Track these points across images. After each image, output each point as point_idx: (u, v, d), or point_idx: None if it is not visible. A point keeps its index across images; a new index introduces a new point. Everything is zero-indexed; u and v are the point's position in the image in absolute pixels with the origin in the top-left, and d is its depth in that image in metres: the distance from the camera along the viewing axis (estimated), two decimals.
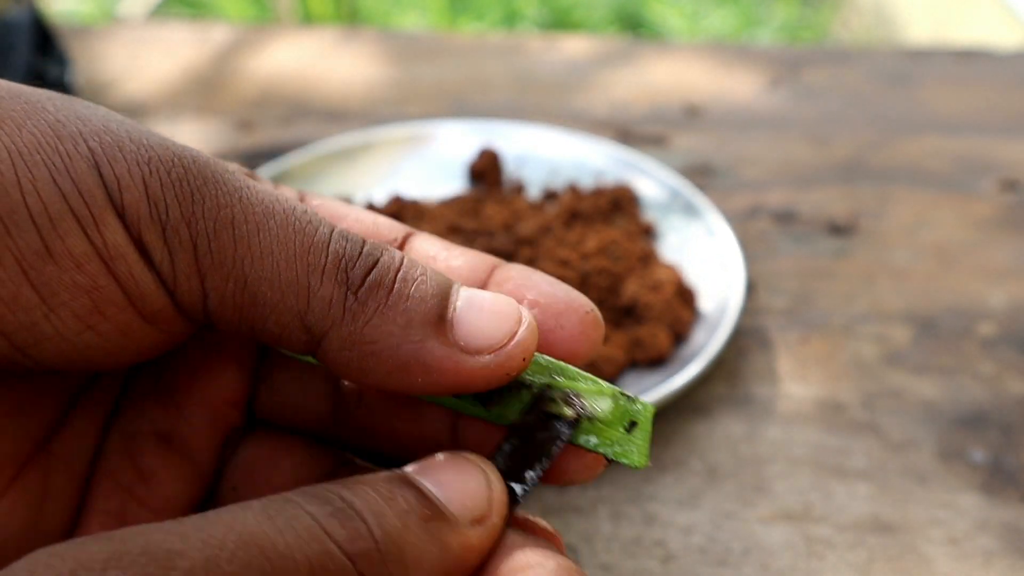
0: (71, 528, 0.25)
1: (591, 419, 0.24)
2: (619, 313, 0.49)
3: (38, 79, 0.62)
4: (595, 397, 0.24)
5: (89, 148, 0.21)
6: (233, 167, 0.24)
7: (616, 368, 0.46)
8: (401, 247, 0.27)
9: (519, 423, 0.24)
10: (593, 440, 0.24)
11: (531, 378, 0.24)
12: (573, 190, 0.58)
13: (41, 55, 0.64)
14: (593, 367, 0.46)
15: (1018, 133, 0.70)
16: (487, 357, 0.23)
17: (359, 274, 0.22)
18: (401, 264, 0.23)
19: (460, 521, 0.21)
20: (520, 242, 0.51)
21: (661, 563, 0.39)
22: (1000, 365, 0.49)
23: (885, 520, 0.41)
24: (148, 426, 0.26)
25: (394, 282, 0.23)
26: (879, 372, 0.49)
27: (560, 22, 2.23)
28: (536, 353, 0.24)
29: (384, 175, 0.60)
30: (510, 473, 0.23)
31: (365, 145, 0.61)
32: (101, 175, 0.21)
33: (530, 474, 0.23)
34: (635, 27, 2.28)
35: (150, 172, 0.22)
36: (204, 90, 0.76)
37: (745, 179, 0.64)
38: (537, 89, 0.76)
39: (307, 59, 0.81)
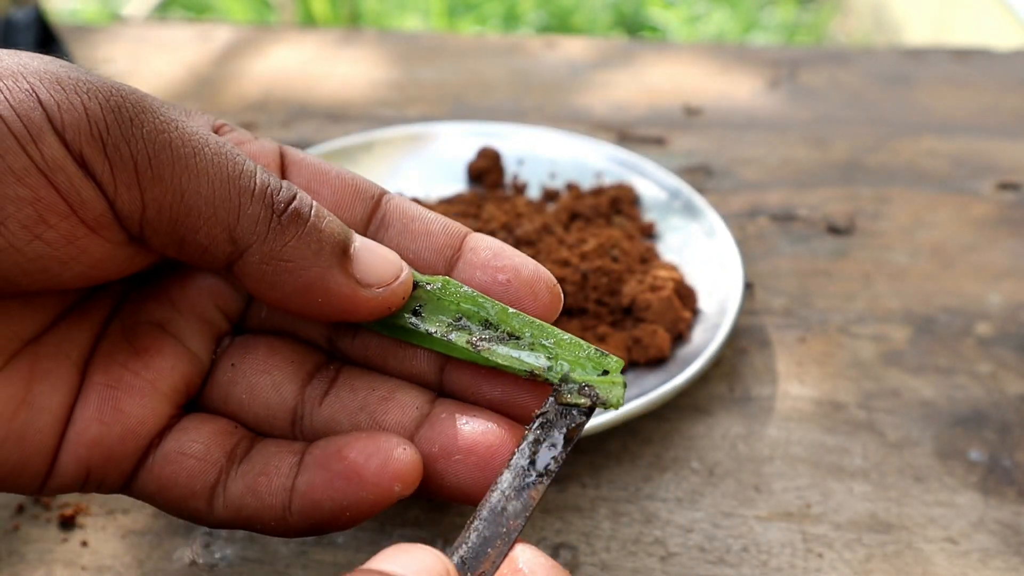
0: (71, 401, 0.28)
1: (605, 404, 0.28)
2: (619, 313, 0.49)
3: None
4: (608, 386, 0.28)
5: (29, 83, 0.24)
6: (170, 104, 0.27)
7: None
8: (377, 204, 0.30)
9: (541, 413, 0.28)
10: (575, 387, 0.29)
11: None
12: (573, 190, 0.59)
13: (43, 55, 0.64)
14: None
15: (1016, 133, 0.70)
16: (377, 290, 0.27)
17: (282, 202, 0.26)
18: (313, 204, 0.27)
19: None
20: (520, 242, 0.52)
21: (660, 562, 0.39)
22: (997, 365, 0.49)
23: (883, 519, 0.41)
24: (144, 317, 0.29)
25: (310, 215, 0.27)
26: (877, 372, 0.49)
27: (560, 25, 2.24)
28: (520, 312, 0.29)
29: (385, 175, 0.60)
30: (534, 459, 0.27)
31: (366, 145, 0.61)
32: (40, 100, 0.24)
33: (552, 456, 0.28)
34: (635, 30, 2.28)
35: (89, 98, 0.25)
36: (206, 91, 0.76)
37: (744, 180, 0.65)
38: (537, 90, 0.77)
39: (308, 60, 0.81)
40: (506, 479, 0.27)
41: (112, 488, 0.28)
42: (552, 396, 0.28)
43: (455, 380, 0.30)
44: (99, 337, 0.29)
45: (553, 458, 0.27)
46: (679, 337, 0.48)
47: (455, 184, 0.60)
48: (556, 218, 0.55)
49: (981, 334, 0.51)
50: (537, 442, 0.28)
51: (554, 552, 0.39)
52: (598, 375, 0.29)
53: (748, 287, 0.54)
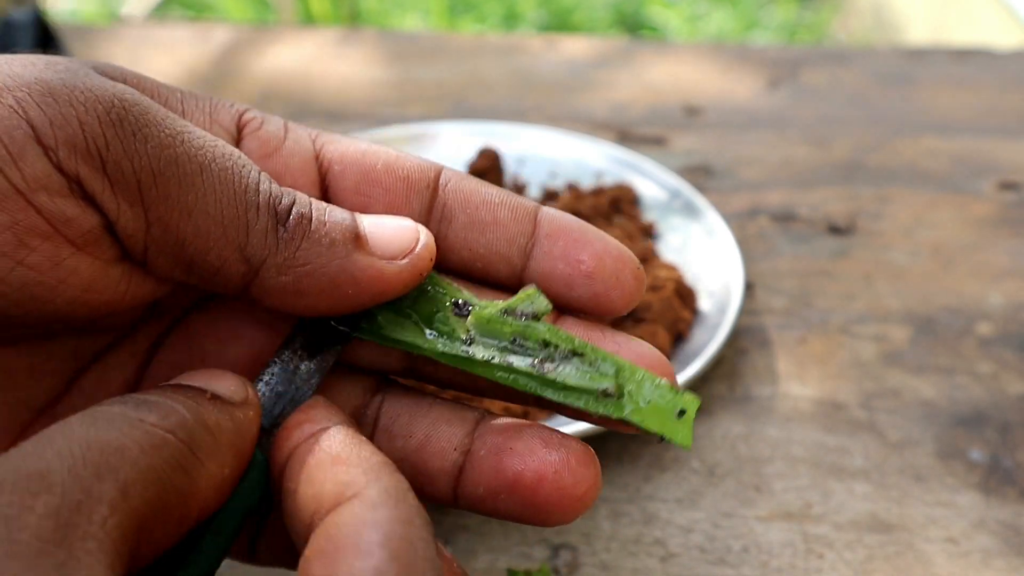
0: None
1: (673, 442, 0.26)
2: None
3: None
4: (678, 429, 0.25)
5: (16, 97, 0.23)
6: (168, 111, 0.25)
7: None
8: (434, 193, 0.28)
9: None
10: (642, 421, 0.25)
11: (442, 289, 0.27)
12: (573, 190, 0.59)
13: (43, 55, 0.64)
14: None
15: (1016, 133, 0.70)
16: (403, 261, 0.26)
17: (284, 209, 0.25)
18: (311, 201, 0.26)
19: (234, 400, 0.24)
20: None
21: (661, 562, 0.39)
22: (998, 365, 0.49)
23: (883, 519, 0.41)
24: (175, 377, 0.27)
25: (311, 214, 0.25)
26: (878, 372, 0.49)
27: (560, 25, 2.24)
28: (558, 328, 0.26)
29: None
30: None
31: None
32: (28, 117, 0.23)
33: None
34: (635, 29, 2.28)
35: (87, 111, 0.23)
36: (205, 90, 0.76)
37: (744, 179, 0.65)
38: (537, 89, 0.76)
39: (308, 60, 0.81)
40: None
41: None
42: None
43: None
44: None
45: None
46: (679, 337, 0.48)
47: None
48: None
49: (982, 334, 0.51)
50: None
51: (554, 552, 0.39)
52: (674, 417, 0.25)
53: (748, 287, 0.54)
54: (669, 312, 0.47)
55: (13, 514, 0.18)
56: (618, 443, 0.45)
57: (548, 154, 0.61)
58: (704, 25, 2.27)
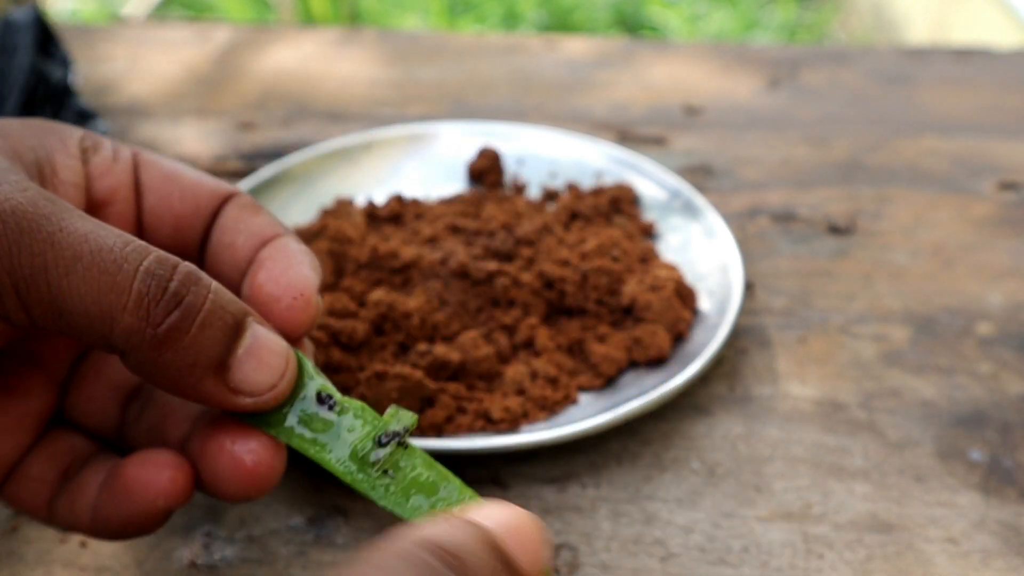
0: None
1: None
2: (619, 313, 0.49)
3: (40, 80, 0.62)
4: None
5: None
6: (56, 201, 0.28)
7: (616, 368, 0.46)
8: (216, 213, 0.33)
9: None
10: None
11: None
12: (573, 190, 0.59)
13: (43, 56, 0.64)
14: (594, 367, 0.46)
15: (1017, 133, 0.70)
16: (249, 400, 0.28)
17: (161, 313, 0.27)
18: (203, 305, 0.27)
19: None
20: (520, 242, 0.52)
21: (660, 562, 0.39)
22: (998, 365, 0.49)
23: (883, 519, 0.41)
24: (7, 349, 0.31)
25: (191, 326, 0.27)
26: (878, 372, 0.49)
27: (560, 25, 2.24)
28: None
29: (385, 175, 0.60)
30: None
31: (366, 145, 0.61)
32: None
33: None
34: (635, 30, 2.28)
35: None
36: (205, 90, 0.76)
37: (744, 179, 0.65)
38: (537, 89, 0.76)
39: (308, 60, 0.81)
40: None
41: None
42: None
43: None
44: None
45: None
46: (679, 337, 0.48)
47: (455, 184, 0.60)
48: (556, 218, 0.55)
49: (982, 334, 0.51)
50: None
51: (554, 552, 0.39)
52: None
53: (748, 287, 0.54)
54: (669, 312, 0.47)
55: None
56: (618, 443, 0.45)
57: (548, 154, 0.61)
58: (704, 25, 2.27)
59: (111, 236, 0.27)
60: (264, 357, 0.28)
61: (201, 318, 0.27)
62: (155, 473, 0.29)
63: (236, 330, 0.28)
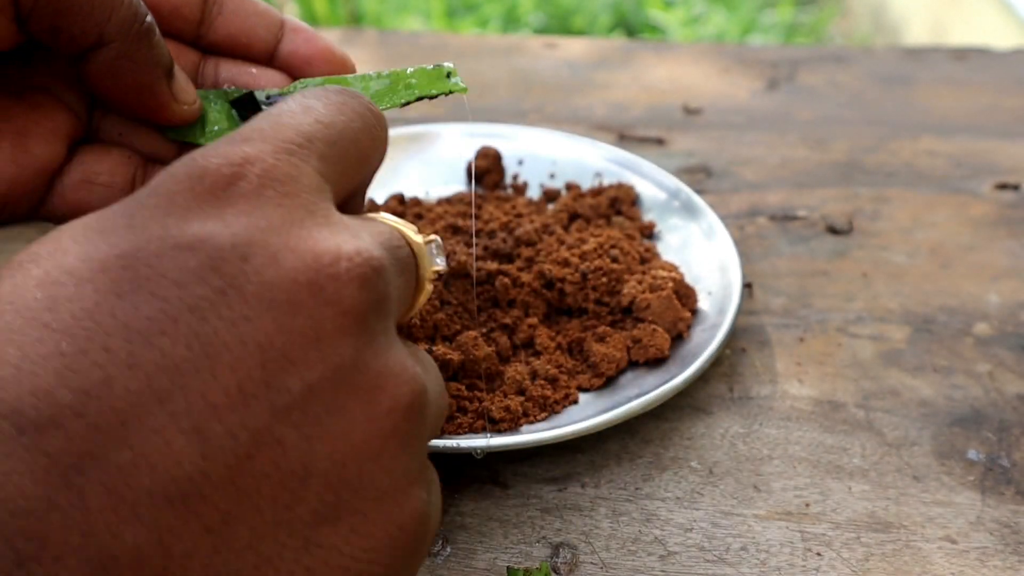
0: None
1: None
2: (618, 313, 0.49)
3: None
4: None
5: None
6: None
7: (615, 368, 0.46)
8: None
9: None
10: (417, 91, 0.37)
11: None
12: (573, 190, 0.59)
13: None
14: (594, 367, 0.46)
15: (1016, 133, 0.70)
16: (184, 107, 0.34)
17: (144, 14, 0.32)
18: (156, 26, 0.33)
19: None
20: (520, 242, 0.52)
21: (660, 561, 0.39)
22: (996, 365, 0.49)
23: (882, 518, 0.41)
24: (29, 83, 0.34)
25: (155, 34, 0.32)
26: (876, 371, 0.49)
27: (560, 26, 2.24)
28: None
29: (385, 175, 0.60)
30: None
31: None
32: None
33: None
34: (634, 31, 2.29)
35: None
36: None
37: (743, 180, 0.65)
38: (537, 90, 0.77)
39: None
40: None
41: (22, 216, 0.34)
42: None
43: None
44: None
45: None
46: (679, 337, 0.48)
47: (455, 184, 0.60)
48: (556, 218, 0.55)
49: (980, 334, 0.51)
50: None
51: (554, 551, 0.40)
52: (445, 78, 0.36)
53: (747, 287, 0.54)
54: (669, 312, 0.47)
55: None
56: (618, 443, 0.45)
57: (547, 154, 0.62)
58: (703, 26, 2.27)
59: None
60: (184, 78, 0.35)
61: (158, 32, 0.33)
62: None
63: (170, 58, 0.34)
